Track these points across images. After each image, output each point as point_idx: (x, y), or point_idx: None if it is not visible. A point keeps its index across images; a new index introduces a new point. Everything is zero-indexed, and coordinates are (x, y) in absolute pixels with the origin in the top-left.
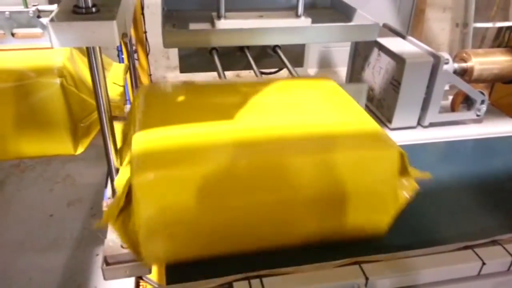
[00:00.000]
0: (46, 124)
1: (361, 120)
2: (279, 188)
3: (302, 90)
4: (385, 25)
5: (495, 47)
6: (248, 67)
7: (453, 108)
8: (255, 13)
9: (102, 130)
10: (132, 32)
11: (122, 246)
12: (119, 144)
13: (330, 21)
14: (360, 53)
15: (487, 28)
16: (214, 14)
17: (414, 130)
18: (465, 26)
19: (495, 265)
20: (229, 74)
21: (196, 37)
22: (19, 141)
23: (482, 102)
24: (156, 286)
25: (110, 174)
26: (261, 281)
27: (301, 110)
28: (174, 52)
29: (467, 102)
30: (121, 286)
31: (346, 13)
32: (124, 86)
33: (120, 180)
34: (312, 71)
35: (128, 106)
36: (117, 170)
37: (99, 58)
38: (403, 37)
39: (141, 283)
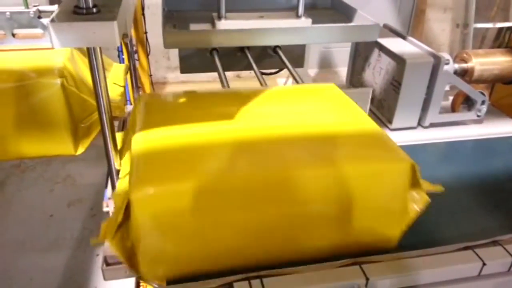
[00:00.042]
0: (46, 124)
1: (369, 130)
2: (284, 202)
3: (306, 98)
4: (385, 26)
5: (495, 47)
6: (249, 67)
7: (453, 108)
8: (255, 13)
9: (102, 131)
10: (132, 32)
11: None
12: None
13: (331, 21)
14: (361, 54)
15: (487, 29)
16: (215, 14)
17: (415, 131)
18: (465, 27)
19: (496, 265)
20: (229, 74)
21: (196, 38)
22: (20, 142)
23: (483, 102)
24: (156, 286)
25: (110, 174)
26: (261, 282)
27: (305, 119)
28: (174, 53)
29: (468, 102)
30: (121, 286)
31: (346, 14)
32: (125, 87)
33: (119, 193)
34: (312, 71)
35: (128, 107)
36: (118, 172)
37: (100, 58)
38: (404, 37)
39: (141, 283)
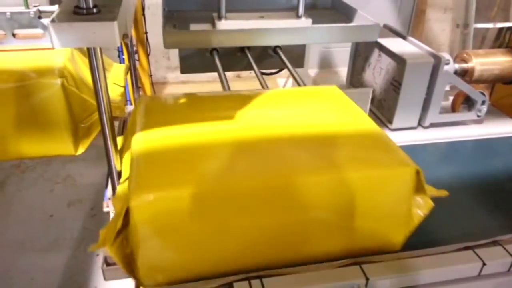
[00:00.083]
0: (46, 124)
1: (373, 134)
2: (286, 208)
3: (307, 101)
4: (385, 26)
5: (495, 47)
6: (249, 67)
7: (453, 108)
8: (255, 13)
9: (102, 131)
10: (132, 32)
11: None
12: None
13: (331, 21)
14: (361, 54)
15: (487, 29)
16: (215, 14)
17: (415, 131)
18: (465, 27)
19: (496, 265)
20: (229, 74)
21: (196, 38)
22: (20, 142)
23: (483, 102)
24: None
25: (110, 174)
26: (261, 282)
27: (308, 123)
28: (174, 53)
29: (468, 102)
30: (121, 287)
31: (346, 14)
32: (125, 87)
33: (119, 198)
34: (312, 71)
35: (128, 107)
36: (118, 172)
37: (100, 58)
38: (404, 37)
39: None
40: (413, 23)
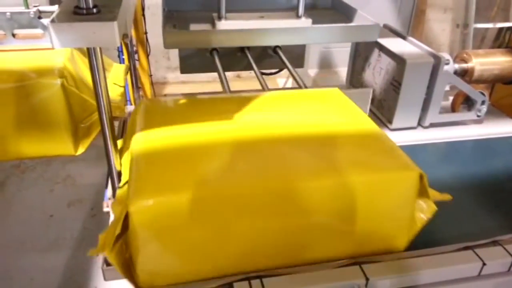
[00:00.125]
0: (46, 124)
1: (376, 137)
2: (288, 213)
3: (309, 104)
4: (385, 26)
5: (495, 47)
6: (249, 67)
7: (453, 108)
8: (255, 13)
9: (102, 131)
10: (132, 32)
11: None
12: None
13: (331, 21)
14: (361, 54)
15: (487, 29)
16: (215, 14)
17: (415, 131)
18: (465, 27)
19: (496, 265)
20: (229, 74)
21: (196, 38)
22: (20, 142)
23: (483, 102)
24: None
25: (110, 174)
26: (261, 282)
27: (310, 126)
28: (174, 53)
29: (468, 102)
30: (121, 287)
31: (346, 14)
32: (125, 87)
33: (118, 203)
34: (312, 71)
35: (128, 107)
36: (118, 172)
37: (100, 58)
38: (404, 37)
39: None
40: (413, 23)
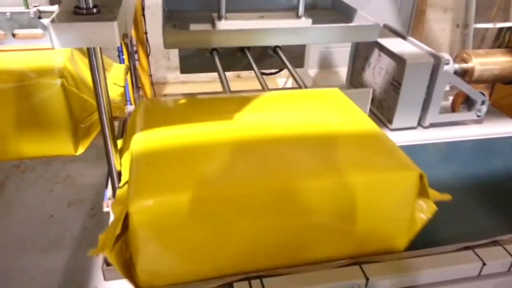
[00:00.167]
0: (46, 124)
1: (376, 137)
2: (288, 214)
3: (309, 104)
4: (385, 26)
5: (495, 47)
6: (249, 67)
7: (453, 108)
8: (255, 13)
9: (102, 131)
10: (132, 32)
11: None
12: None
13: (331, 21)
14: (361, 54)
15: (487, 29)
16: (215, 14)
17: (415, 131)
18: (465, 27)
19: (496, 265)
20: (229, 74)
21: (196, 38)
22: (20, 142)
23: (483, 102)
24: None
25: (110, 174)
26: (261, 282)
27: (310, 126)
28: (174, 53)
29: (468, 102)
30: (121, 287)
31: (346, 14)
32: (125, 87)
33: (118, 203)
34: (312, 71)
35: (128, 107)
36: (118, 172)
37: (100, 58)
38: (404, 37)
39: None
40: (413, 23)
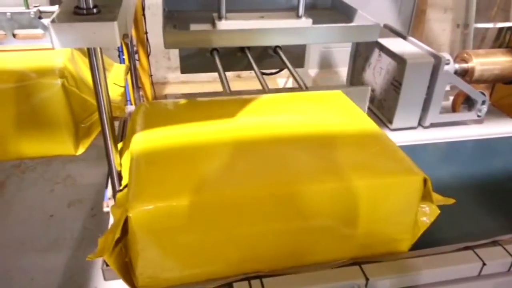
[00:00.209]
0: (47, 124)
1: (380, 141)
2: (290, 218)
3: (312, 106)
4: (386, 26)
5: (495, 47)
6: (249, 67)
7: (454, 108)
8: (256, 13)
9: (103, 131)
10: (133, 33)
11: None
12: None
13: (331, 21)
14: (361, 54)
15: (487, 29)
16: (215, 14)
17: (415, 131)
18: (466, 27)
19: (496, 265)
20: (229, 74)
21: (197, 38)
22: (20, 142)
23: (483, 102)
24: None
25: (110, 174)
26: (261, 282)
27: (313, 129)
28: (175, 53)
29: (468, 102)
30: (121, 287)
31: (347, 14)
32: (125, 87)
33: (118, 207)
34: (312, 71)
35: (128, 107)
36: (118, 172)
37: (100, 58)
38: (404, 37)
39: None
40: (413, 23)
